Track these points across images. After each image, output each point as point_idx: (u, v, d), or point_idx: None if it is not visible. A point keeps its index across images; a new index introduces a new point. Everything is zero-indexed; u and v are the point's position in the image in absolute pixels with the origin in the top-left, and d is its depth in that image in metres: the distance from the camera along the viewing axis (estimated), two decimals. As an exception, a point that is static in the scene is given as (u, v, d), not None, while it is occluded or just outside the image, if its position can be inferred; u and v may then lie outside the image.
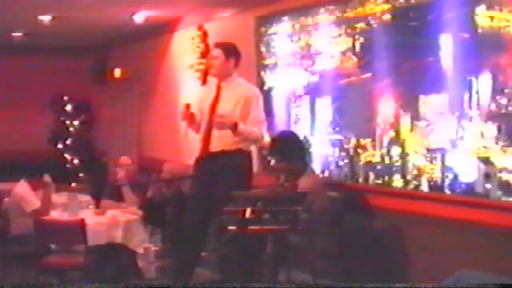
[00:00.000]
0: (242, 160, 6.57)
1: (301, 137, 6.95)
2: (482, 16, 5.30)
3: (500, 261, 5.09)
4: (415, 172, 5.99)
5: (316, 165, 7.04)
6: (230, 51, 6.69)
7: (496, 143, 5.20)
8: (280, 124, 7.73)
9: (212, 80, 6.98)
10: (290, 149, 6.57)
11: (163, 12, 9.67)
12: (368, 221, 6.51)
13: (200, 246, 6.76)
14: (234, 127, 6.36)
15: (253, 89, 6.79)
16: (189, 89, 9.51)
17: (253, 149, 6.95)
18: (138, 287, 5.91)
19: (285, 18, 7.62)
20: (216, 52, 6.70)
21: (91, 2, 8.60)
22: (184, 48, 9.88)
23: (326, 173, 7.02)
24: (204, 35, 9.30)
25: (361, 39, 6.57)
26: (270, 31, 7.92)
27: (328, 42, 6.97)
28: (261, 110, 6.69)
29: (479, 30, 5.33)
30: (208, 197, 6.50)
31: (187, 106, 6.69)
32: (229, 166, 6.45)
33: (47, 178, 7.88)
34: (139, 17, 9.62)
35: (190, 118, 6.66)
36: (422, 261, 5.91)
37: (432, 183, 5.82)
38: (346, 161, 6.79)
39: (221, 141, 6.51)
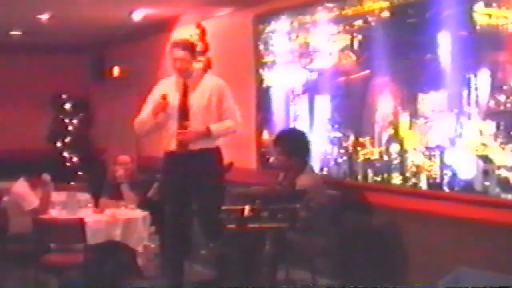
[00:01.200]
0: (217, 155, 6.65)
1: (306, 136, 6.90)
2: (480, 14, 5.29)
3: (499, 259, 5.09)
4: (413, 169, 5.98)
5: (315, 163, 7.03)
6: (191, 48, 6.81)
7: (495, 140, 5.20)
8: (278, 122, 7.73)
9: (169, 79, 6.96)
10: (293, 145, 6.58)
11: (162, 10, 9.66)
12: (366, 218, 6.51)
13: (184, 243, 6.79)
14: (208, 134, 6.49)
15: (221, 81, 6.90)
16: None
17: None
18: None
19: (283, 16, 7.62)
20: (180, 53, 6.71)
21: (90, 0, 8.59)
22: (182, 46, 9.85)
23: (325, 171, 7.02)
24: (203, 33, 9.29)
25: (360, 37, 6.57)
26: (268, 29, 7.91)
27: (327, 40, 6.96)
28: (233, 100, 6.82)
29: (477, 28, 5.32)
30: (186, 194, 6.56)
31: (164, 96, 6.72)
32: (206, 162, 6.53)
33: (46, 176, 7.88)
34: (138, 15, 9.61)
35: (164, 108, 6.69)
36: (421, 258, 5.91)
37: (430, 181, 5.82)
38: (345, 158, 6.79)
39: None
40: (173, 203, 6.71)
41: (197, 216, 6.66)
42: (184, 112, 6.62)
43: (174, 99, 6.68)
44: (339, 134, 6.84)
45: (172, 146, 6.65)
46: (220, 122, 6.63)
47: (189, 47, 6.84)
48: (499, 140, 5.16)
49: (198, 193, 6.43)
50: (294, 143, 6.62)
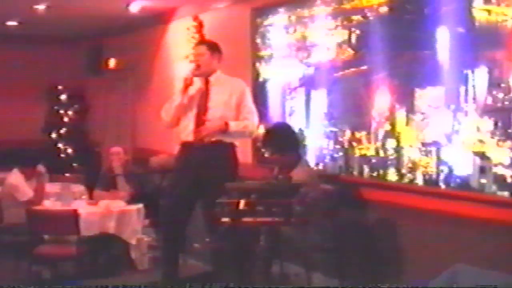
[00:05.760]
0: (232, 150, 6.62)
1: (295, 129, 6.92)
2: (480, 10, 5.27)
3: (494, 256, 5.07)
4: (410, 165, 5.97)
5: (311, 158, 7.02)
6: (214, 47, 6.81)
7: (492, 137, 5.18)
8: (275, 116, 7.70)
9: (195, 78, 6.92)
10: (284, 141, 6.56)
11: (159, 2, 9.63)
12: (362, 214, 6.49)
13: (183, 235, 6.76)
14: (225, 129, 6.49)
15: (243, 82, 6.93)
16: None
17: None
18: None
19: (281, 9, 7.58)
20: (202, 49, 6.78)
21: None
22: (179, 38, 9.83)
23: (321, 166, 6.99)
24: (200, 25, 9.26)
25: (357, 32, 6.54)
26: (266, 23, 7.88)
27: (324, 34, 6.93)
28: (252, 102, 6.83)
29: (476, 24, 5.30)
30: (195, 187, 6.53)
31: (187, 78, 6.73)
32: (220, 155, 6.51)
33: (40, 167, 7.86)
34: (135, 7, 9.58)
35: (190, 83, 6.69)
36: (416, 255, 5.89)
37: (427, 177, 5.80)
38: (340, 153, 6.76)
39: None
40: (179, 193, 6.66)
41: (203, 209, 6.60)
42: (203, 106, 6.61)
43: (195, 90, 6.67)
44: (335, 129, 6.82)
45: (189, 137, 6.63)
46: (238, 121, 6.62)
47: (211, 46, 6.84)
48: (496, 137, 5.14)
49: (208, 186, 6.37)
50: (284, 140, 6.59)
